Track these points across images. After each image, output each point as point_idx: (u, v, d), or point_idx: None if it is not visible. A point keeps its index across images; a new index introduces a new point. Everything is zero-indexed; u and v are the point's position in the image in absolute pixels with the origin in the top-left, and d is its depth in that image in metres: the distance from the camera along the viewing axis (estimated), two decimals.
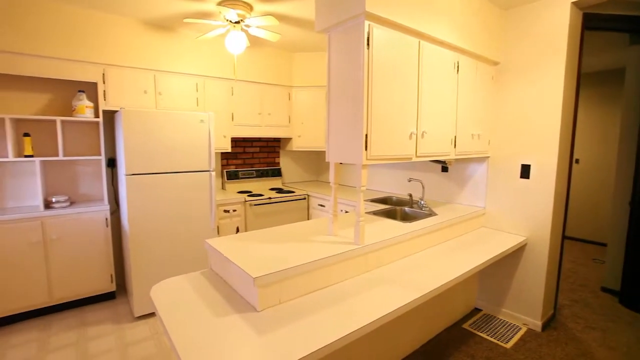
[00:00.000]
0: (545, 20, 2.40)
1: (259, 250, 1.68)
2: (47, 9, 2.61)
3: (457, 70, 2.30)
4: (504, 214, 2.72)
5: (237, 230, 3.38)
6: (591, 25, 2.52)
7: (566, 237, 5.09)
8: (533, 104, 2.50)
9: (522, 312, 2.65)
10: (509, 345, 2.39)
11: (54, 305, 2.79)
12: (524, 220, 2.60)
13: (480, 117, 2.61)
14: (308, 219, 3.81)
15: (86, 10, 2.75)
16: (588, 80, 4.78)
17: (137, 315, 2.72)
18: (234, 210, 3.33)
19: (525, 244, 2.61)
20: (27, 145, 2.69)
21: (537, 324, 2.57)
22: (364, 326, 1.32)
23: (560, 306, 2.97)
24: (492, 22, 2.52)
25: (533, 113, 2.50)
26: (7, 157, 2.69)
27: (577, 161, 4.94)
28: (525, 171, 2.57)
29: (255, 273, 1.40)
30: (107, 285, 2.96)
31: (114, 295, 3.08)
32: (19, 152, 2.79)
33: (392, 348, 2.17)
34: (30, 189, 2.88)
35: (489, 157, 2.78)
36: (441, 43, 2.14)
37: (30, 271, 2.61)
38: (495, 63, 2.67)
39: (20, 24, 2.53)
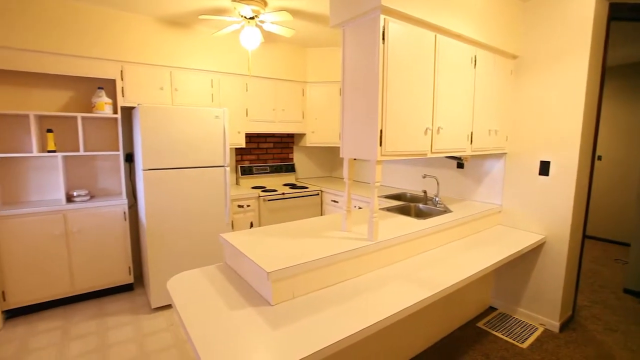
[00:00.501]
0: (569, 11, 2.31)
1: (273, 245, 1.70)
2: (68, 8, 2.67)
3: (475, 65, 2.25)
4: (522, 211, 2.66)
5: (251, 225, 3.42)
6: (618, 15, 2.42)
7: (587, 236, 4.94)
8: (554, 98, 2.42)
9: (539, 312, 2.60)
10: (524, 345, 2.35)
11: (75, 295, 2.89)
12: (543, 219, 2.54)
13: (498, 112, 2.55)
14: (321, 215, 3.82)
15: (104, 8, 2.80)
16: (613, 73, 4.60)
17: (154, 306, 2.79)
18: (248, 206, 3.37)
19: (544, 243, 2.54)
20: (50, 141, 2.78)
21: (554, 324, 2.52)
22: (377, 322, 1.32)
23: (580, 307, 2.89)
24: (511, 14, 2.45)
25: (554, 108, 2.43)
26: (31, 152, 2.79)
27: (599, 158, 4.77)
28: (544, 168, 2.50)
29: (269, 268, 1.42)
30: (125, 277, 3.04)
31: (132, 287, 3.17)
32: (43, 148, 2.89)
33: (405, 345, 2.16)
34: (52, 183, 2.98)
35: (506, 153, 2.72)
36: (458, 37, 2.10)
37: (54, 262, 2.71)
38: (514, 57, 2.59)
39: (43, 24, 2.60)
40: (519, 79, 2.61)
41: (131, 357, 2.20)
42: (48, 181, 2.96)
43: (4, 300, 2.56)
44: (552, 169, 2.46)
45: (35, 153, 2.67)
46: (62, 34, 2.67)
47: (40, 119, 2.89)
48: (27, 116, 2.81)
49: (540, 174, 2.53)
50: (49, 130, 2.79)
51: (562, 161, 2.41)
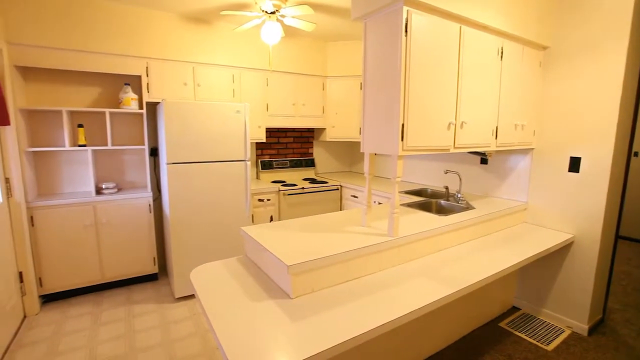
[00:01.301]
0: None
1: (293, 239, 1.71)
2: (97, 7, 2.77)
3: (501, 57, 2.17)
4: (549, 209, 2.56)
5: (271, 219, 3.46)
6: None
7: (620, 236, 4.70)
8: (587, 91, 2.30)
9: (566, 314, 2.50)
10: (550, 347, 2.27)
11: (104, 283, 3.03)
12: (572, 217, 2.43)
13: (525, 106, 2.45)
14: (340, 210, 3.81)
15: (130, 6, 2.88)
16: None
17: (177, 296, 2.88)
18: (268, 200, 3.41)
19: (572, 242, 2.44)
20: (81, 136, 2.91)
21: (583, 327, 2.42)
22: (396, 319, 1.31)
23: (610, 310, 2.77)
24: (541, 3, 2.34)
25: (586, 101, 2.31)
26: (64, 146, 2.92)
27: (635, 154, 4.51)
28: (574, 164, 2.39)
29: (290, 261, 1.43)
30: (150, 267, 3.16)
31: (157, 276, 3.29)
32: (74, 142, 3.01)
33: (424, 342, 2.14)
34: (83, 176, 3.11)
35: (533, 148, 2.62)
36: (484, 28, 2.02)
37: (85, 251, 2.85)
38: (544, 47, 2.48)
39: (73, 23, 2.71)
40: (549, 71, 2.50)
41: (156, 344, 2.29)
42: (79, 174, 3.10)
43: (41, 285, 2.72)
44: (583, 165, 2.35)
45: (67, 147, 2.80)
46: (91, 32, 2.77)
47: (72, 114, 3.02)
48: (60, 112, 2.94)
49: (569, 170, 2.42)
50: (80, 125, 2.91)
51: (594, 157, 2.29)
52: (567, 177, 2.44)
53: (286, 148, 4.20)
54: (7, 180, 2.45)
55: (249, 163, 3.07)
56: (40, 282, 2.71)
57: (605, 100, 2.21)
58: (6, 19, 2.49)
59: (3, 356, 2.15)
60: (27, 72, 2.82)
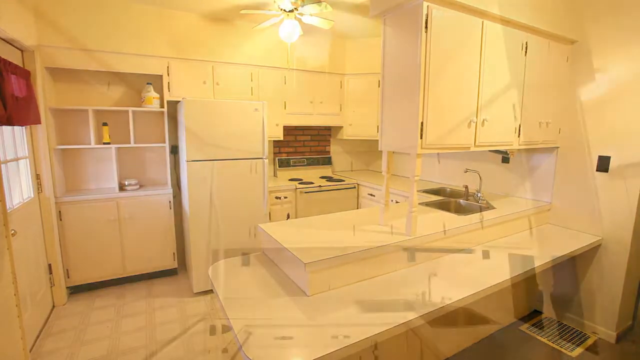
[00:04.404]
0: None
1: (310, 237, 1.72)
2: (121, 8, 2.85)
3: (525, 52, 2.10)
4: (575, 210, 2.46)
5: (288, 217, 3.48)
6: None
7: None
8: (618, 87, 2.20)
9: (592, 319, 2.41)
10: (574, 354, 2.19)
11: (127, 277, 3.12)
12: (599, 219, 2.33)
13: (550, 103, 2.36)
14: (357, 208, 3.79)
15: (152, 7, 2.95)
16: None
17: (195, 291, 2.95)
18: (285, 197, 3.43)
19: (599, 245, 2.34)
20: (105, 134, 3.01)
21: (610, 334, 2.32)
22: (413, 319, 1.30)
23: None
24: None
25: (617, 98, 2.20)
26: (90, 144, 3.02)
27: None
28: (603, 164, 2.29)
29: (307, 259, 1.43)
30: (169, 262, 3.24)
31: (176, 271, 3.37)
32: (99, 140, 3.12)
33: (441, 344, 2.10)
34: (107, 172, 3.22)
35: (558, 147, 2.52)
36: (507, 22, 1.96)
37: (108, 245, 2.95)
38: (572, 42, 2.38)
39: (100, 25, 2.79)
40: (576, 66, 2.40)
41: (175, 336, 2.35)
42: (103, 171, 3.21)
43: (68, 277, 2.84)
44: (613, 164, 2.24)
45: (93, 145, 2.90)
46: (115, 33, 2.85)
47: (97, 113, 3.11)
48: (86, 111, 3.04)
49: (597, 170, 2.32)
50: (104, 124, 3.01)
51: (625, 157, 2.19)
52: (595, 177, 2.34)
53: (303, 146, 4.21)
54: (37, 176, 2.56)
55: (266, 161, 3.09)
56: (67, 274, 2.83)
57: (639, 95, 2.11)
58: (38, 23, 2.60)
59: (34, 343, 2.26)
60: (57, 73, 2.93)
